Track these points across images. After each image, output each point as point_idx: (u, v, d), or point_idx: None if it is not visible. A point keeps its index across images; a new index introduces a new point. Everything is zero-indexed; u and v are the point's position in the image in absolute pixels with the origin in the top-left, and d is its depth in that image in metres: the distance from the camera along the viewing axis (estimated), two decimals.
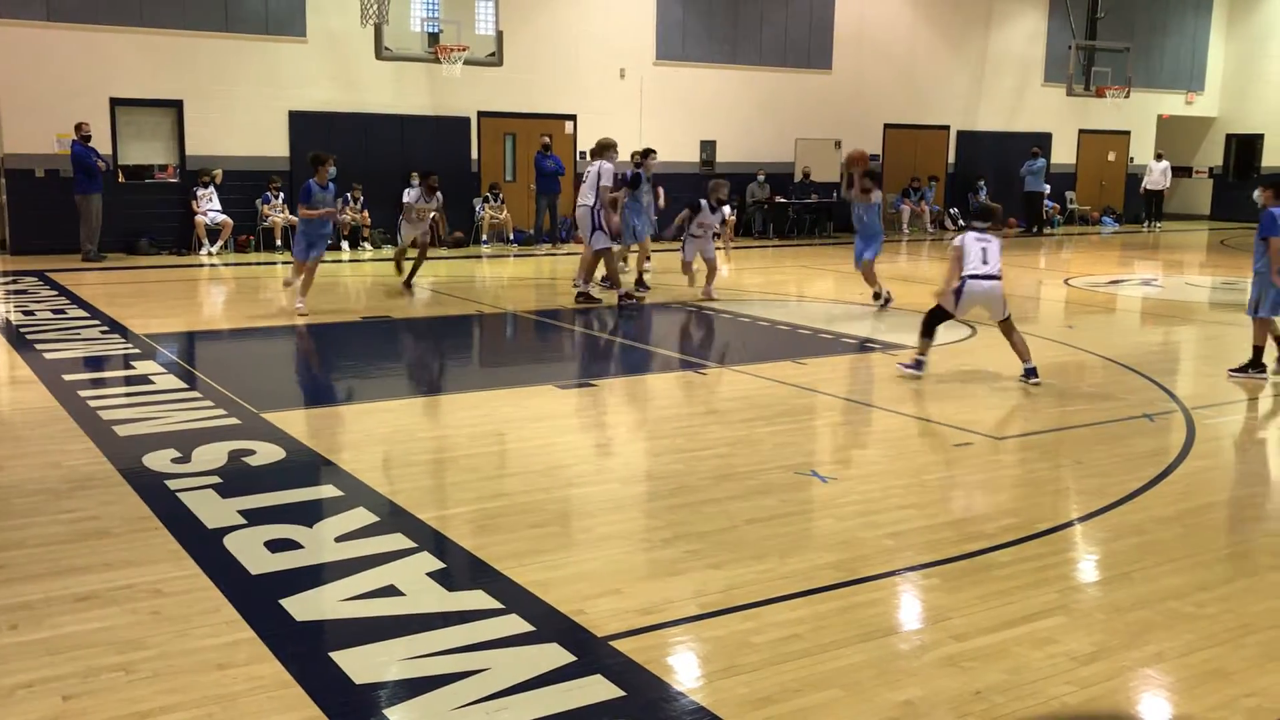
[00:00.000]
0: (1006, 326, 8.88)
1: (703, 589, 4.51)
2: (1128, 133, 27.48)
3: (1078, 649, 4.02)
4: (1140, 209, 26.62)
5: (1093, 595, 4.62)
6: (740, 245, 20.47)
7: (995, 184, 25.01)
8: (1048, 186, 24.51)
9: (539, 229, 19.77)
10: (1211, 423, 7.65)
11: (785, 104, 22.37)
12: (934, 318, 8.96)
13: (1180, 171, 28.30)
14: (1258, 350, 9.14)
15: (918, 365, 8.96)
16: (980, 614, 4.31)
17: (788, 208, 22.11)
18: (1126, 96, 24.96)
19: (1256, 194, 9.11)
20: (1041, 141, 25.25)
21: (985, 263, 8.72)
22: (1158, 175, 26.01)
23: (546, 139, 19.52)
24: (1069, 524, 5.53)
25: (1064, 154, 26.45)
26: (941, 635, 4.13)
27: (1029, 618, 4.28)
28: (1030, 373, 8.75)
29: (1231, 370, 9.21)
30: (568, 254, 18.62)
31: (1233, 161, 28.81)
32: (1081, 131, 26.70)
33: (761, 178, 22.00)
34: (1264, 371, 9.11)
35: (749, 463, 6.39)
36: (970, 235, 8.88)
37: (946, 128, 24.86)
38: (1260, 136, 28.12)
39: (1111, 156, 27.51)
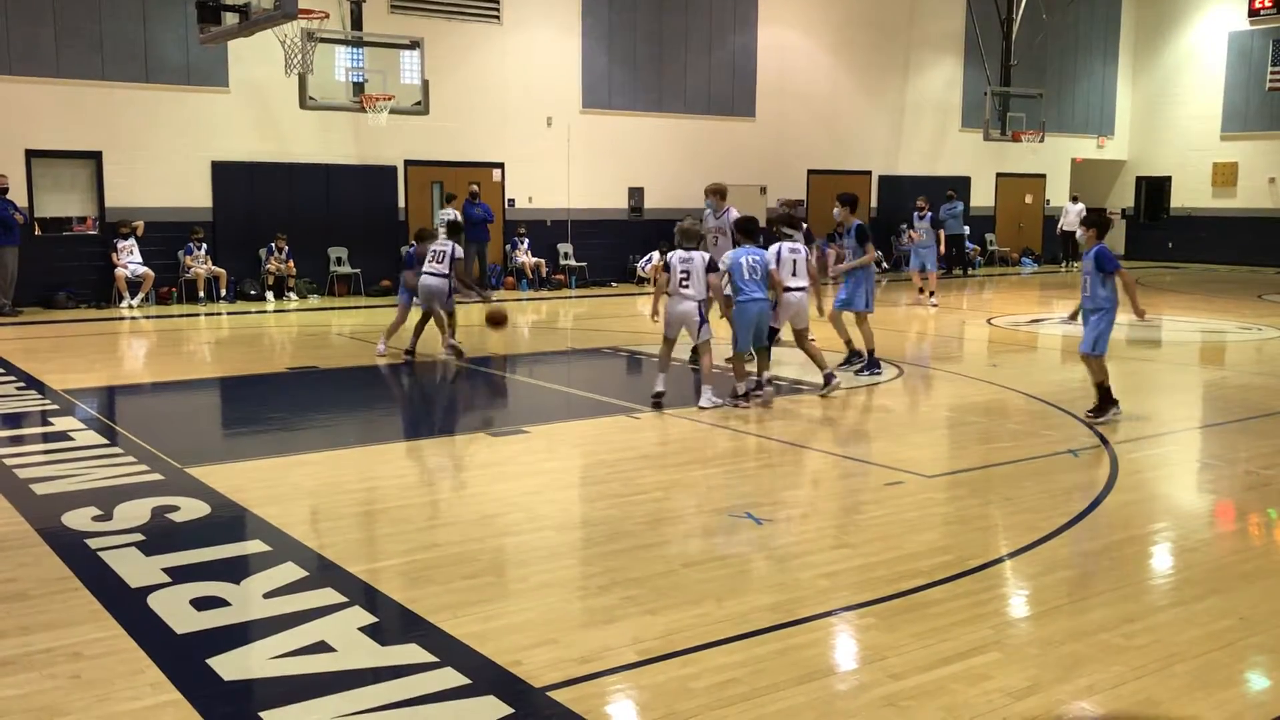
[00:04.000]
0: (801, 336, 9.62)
1: (640, 635, 4.48)
2: (1043, 176, 28.26)
3: (1012, 684, 4.06)
4: (1058, 250, 27.33)
5: (1025, 630, 4.68)
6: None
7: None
8: (967, 229, 25.05)
9: (468, 276, 19.72)
10: (1134, 456, 7.82)
11: (711, 151, 22.65)
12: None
13: (1095, 213, 29.13)
14: (1103, 388, 8.88)
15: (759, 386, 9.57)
16: (916, 652, 4.33)
17: None
18: (1041, 141, 25.70)
19: (1080, 233, 8.91)
20: (960, 185, 25.85)
21: (795, 275, 9.56)
22: (1073, 217, 26.69)
23: (475, 187, 19.53)
24: (1000, 560, 5.60)
25: (983, 197, 27.10)
26: (879, 675, 4.14)
27: (964, 654, 4.32)
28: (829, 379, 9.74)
29: (1093, 416, 8.85)
30: (497, 301, 18.55)
31: (1144, 203, 29.75)
32: (999, 175, 27.40)
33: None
34: (1118, 406, 8.89)
35: (684, 506, 6.38)
36: (784, 247, 9.59)
37: (868, 173, 25.35)
38: (1168, 179, 29.09)
39: (1028, 199, 28.24)
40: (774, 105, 23.52)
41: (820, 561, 5.45)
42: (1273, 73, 26.86)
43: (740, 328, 9.39)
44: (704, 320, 9.35)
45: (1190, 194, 28.59)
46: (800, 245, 9.96)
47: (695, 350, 10.30)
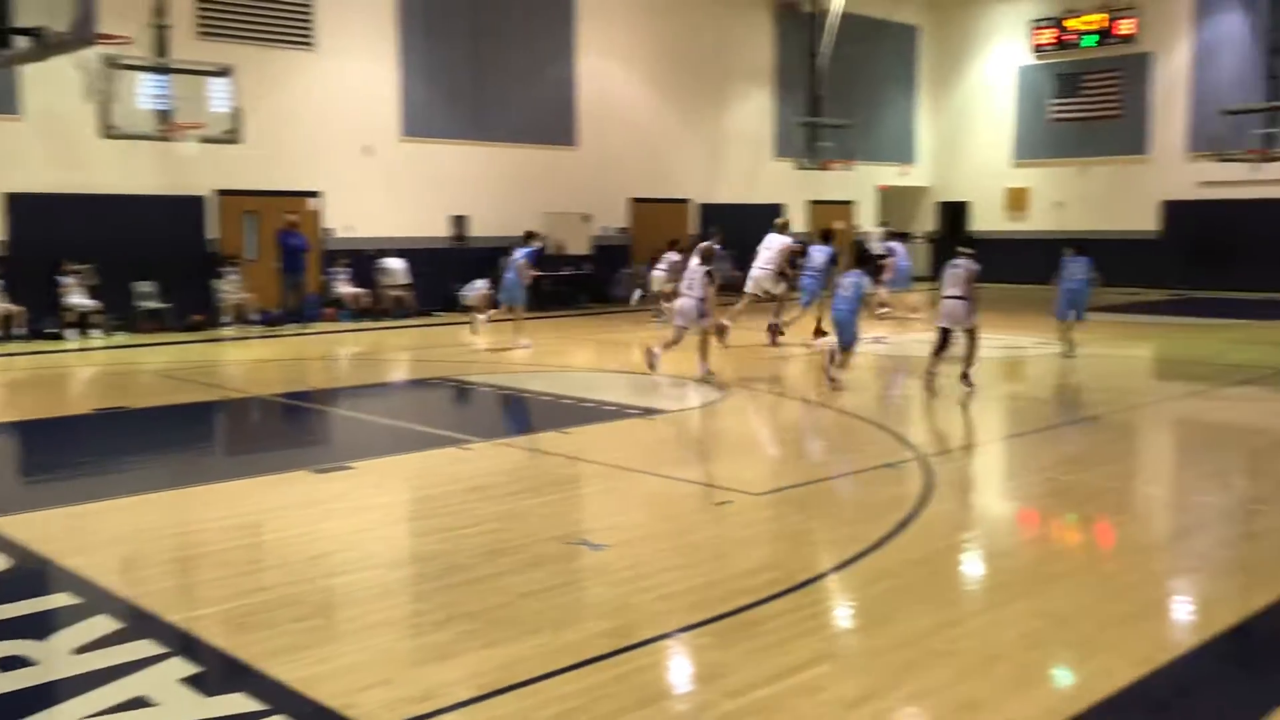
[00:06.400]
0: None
1: (479, 669, 4.42)
2: (853, 203, 29.42)
3: (845, 694, 4.18)
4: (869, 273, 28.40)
5: (855, 641, 4.83)
6: (496, 319, 20.43)
7: (737, 254, 26.13)
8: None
9: (285, 308, 19.12)
10: (947, 468, 8.19)
11: (535, 179, 22.68)
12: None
13: (901, 237, 30.45)
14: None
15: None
16: (752, 669, 4.41)
17: (541, 280, 22.30)
18: (850, 170, 26.78)
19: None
20: (775, 212, 26.63)
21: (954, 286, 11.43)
22: (876, 241, 27.88)
23: (291, 217, 18.99)
24: (828, 573, 5.77)
25: (797, 223, 27.98)
26: (717, 694, 4.20)
27: (798, 668, 4.42)
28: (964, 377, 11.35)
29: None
30: (317, 333, 18.09)
31: (946, 227, 31.32)
32: (812, 202, 28.36)
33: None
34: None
35: (519, 536, 6.34)
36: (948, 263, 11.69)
37: (688, 201, 25.85)
38: (966, 204, 30.75)
39: (840, 225, 29.31)
40: (595, 134, 23.76)
41: (656, 584, 5.50)
42: (1052, 105, 28.83)
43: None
44: (703, 314, 12.12)
45: (987, 218, 30.26)
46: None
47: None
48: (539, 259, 15.49)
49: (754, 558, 6.03)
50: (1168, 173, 27.02)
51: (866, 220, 29.60)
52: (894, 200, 30.61)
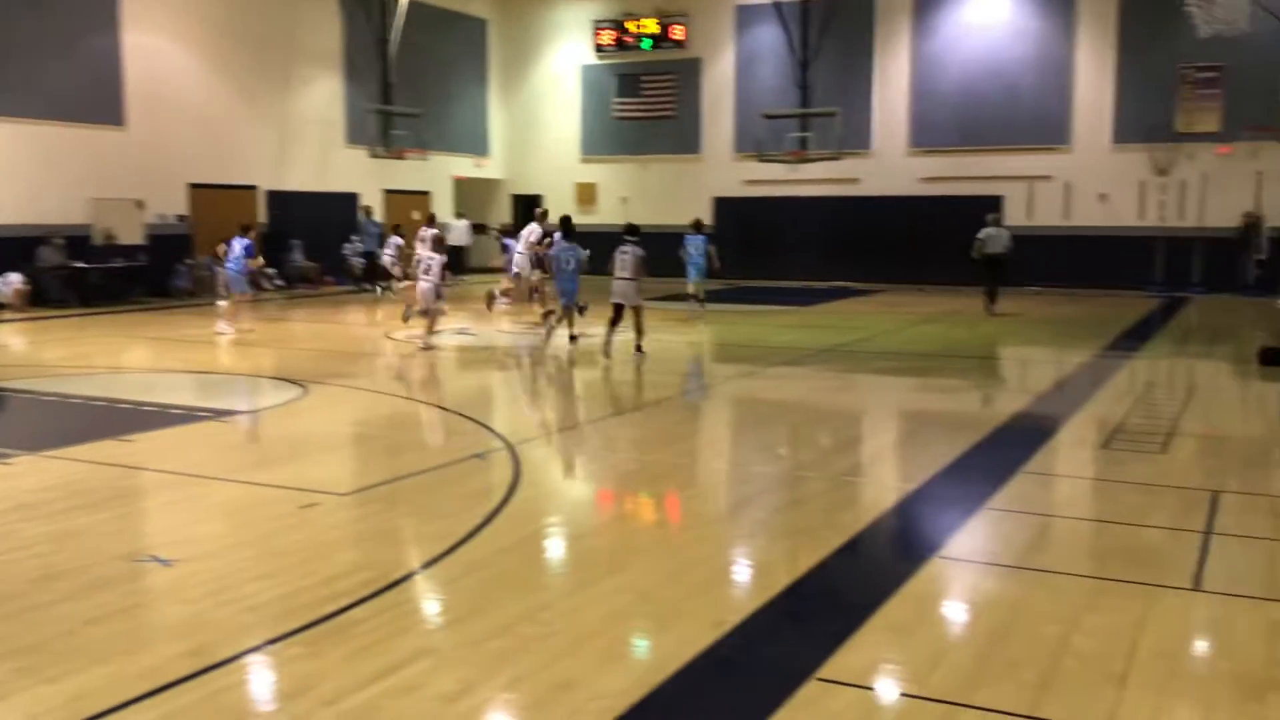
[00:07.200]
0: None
1: (39, 709, 3.96)
2: (430, 193, 29.37)
3: (445, 689, 4.18)
4: (452, 262, 28.53)
5: (451, 634, 4.84)
6: (35, 316, 18.39)
7: (311, 243, 25.26)
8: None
9: None
10: (535, 455, 8.42)
11: (74, 160, 20.54)
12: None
13: (480, 229, 30.89)
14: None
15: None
16: (348, 674, 4.30)
17: (88, 273, 20.31)
18: (425, 159, 26.66)
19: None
20: (348, 201, 26.03)
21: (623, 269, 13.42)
22: (459, 232, 28.09)
23: None
24: (421, 568, 5.73)
25: (377, 214, 27.50)
26: (312, 704, 4.05)
27: (395, 668, 4.36)
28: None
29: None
30: None
31: (521, 219, 32.10)
32: (387, 191, 27.97)
33: (59, 242, 19.95)
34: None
35: (77, 558, 5.74)
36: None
37: (254, 187, 24.59)
38: (540, 196, 31.67)
39: (416, 215, 29.16)
40: (147, 114, 21.91)
41: (239, 596, 5.20)
42: (615, 104, 30.41)
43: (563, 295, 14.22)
44: (439, 297, 14.49)
45: (560, 211, 31.31)
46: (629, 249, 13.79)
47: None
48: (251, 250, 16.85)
49: (344, 560, 5.86)
50: (718, 171, 29.40)
51: (444, 210, 29.67)
52: (470, 191, 30.94)
